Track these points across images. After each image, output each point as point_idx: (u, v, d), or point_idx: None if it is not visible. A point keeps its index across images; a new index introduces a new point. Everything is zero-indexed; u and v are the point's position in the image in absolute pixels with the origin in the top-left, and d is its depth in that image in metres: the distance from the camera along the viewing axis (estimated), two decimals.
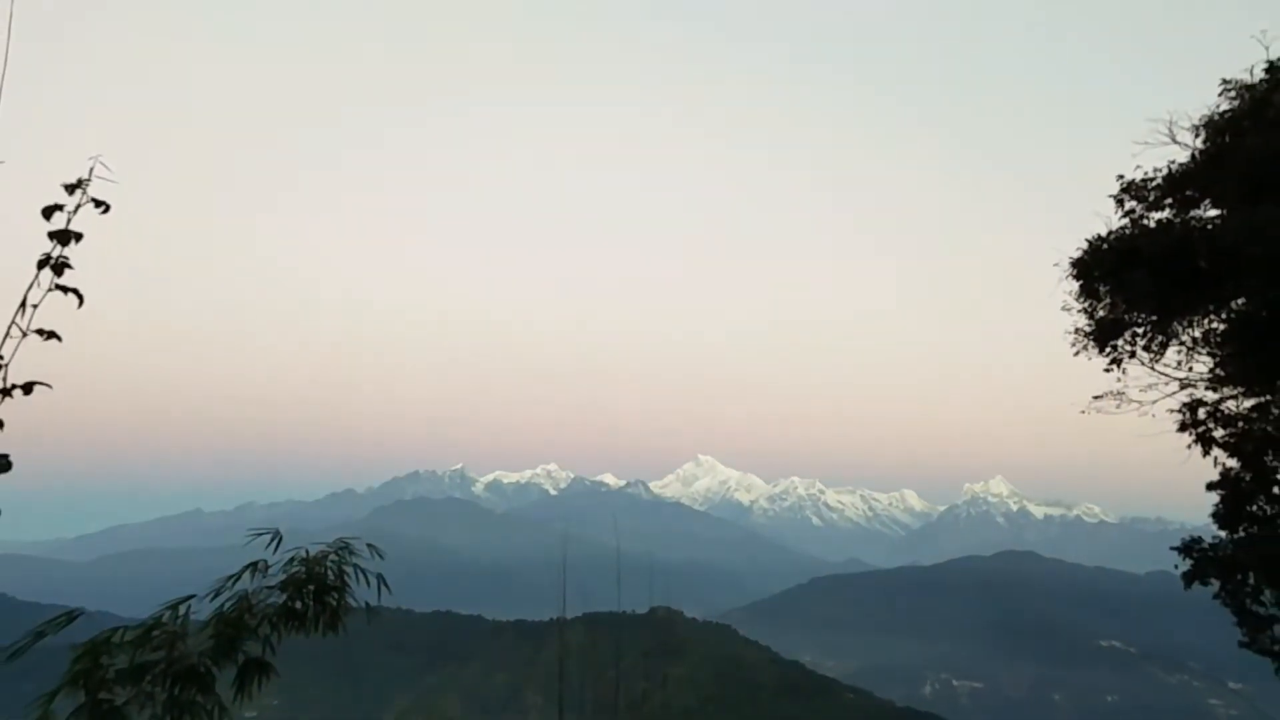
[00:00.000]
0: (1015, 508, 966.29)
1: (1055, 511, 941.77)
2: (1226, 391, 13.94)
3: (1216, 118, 13.05)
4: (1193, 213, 13.70)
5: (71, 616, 4.18)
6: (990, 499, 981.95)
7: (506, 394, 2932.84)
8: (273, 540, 4.68)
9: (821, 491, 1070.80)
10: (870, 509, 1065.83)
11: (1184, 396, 14.26)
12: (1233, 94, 13.00)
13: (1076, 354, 14.83)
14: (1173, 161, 13.52)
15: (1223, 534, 13.65)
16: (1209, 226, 13.48)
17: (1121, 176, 13.99)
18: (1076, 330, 14.77)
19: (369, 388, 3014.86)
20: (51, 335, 4.02)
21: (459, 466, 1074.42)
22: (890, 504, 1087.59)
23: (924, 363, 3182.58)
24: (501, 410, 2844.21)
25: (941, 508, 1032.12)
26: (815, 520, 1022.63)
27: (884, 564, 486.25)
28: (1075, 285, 14.49)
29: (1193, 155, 13.34)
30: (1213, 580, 13.50)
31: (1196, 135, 13.28)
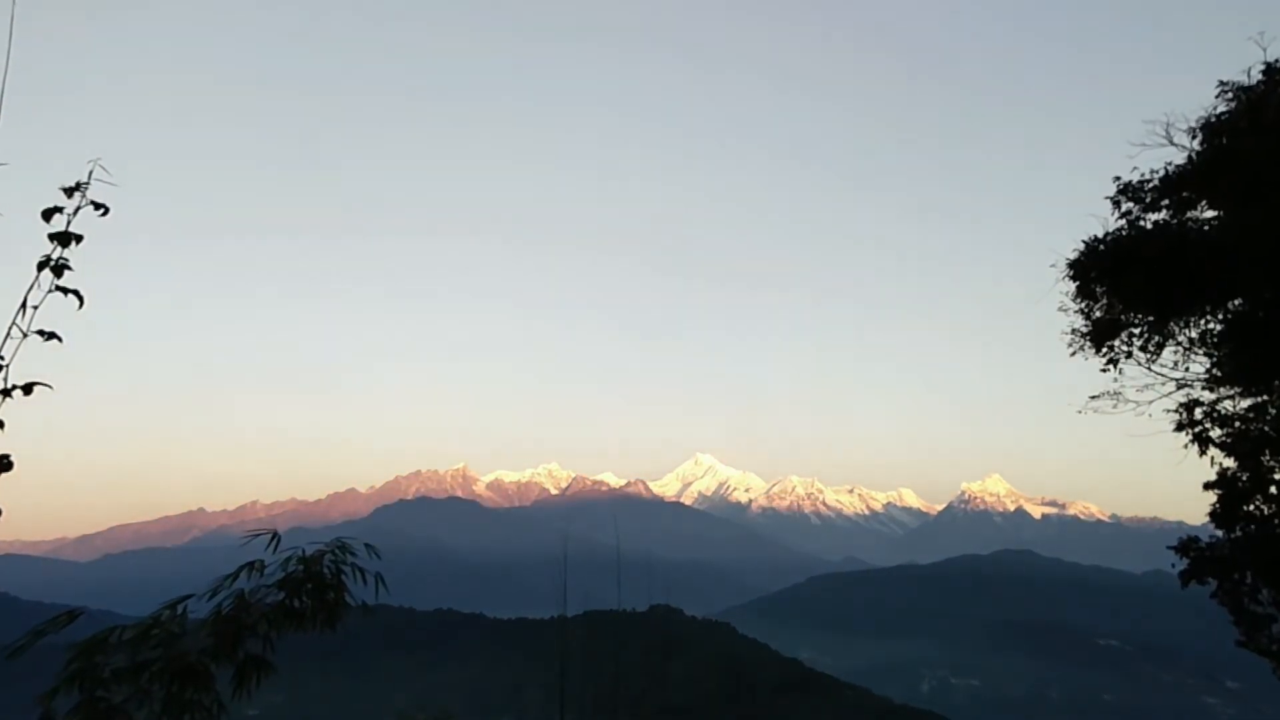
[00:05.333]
0: (1012, 507, 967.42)
1: (1052, 511, 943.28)
2: (1223, 392, 13.95)
3: (1213, 120, 13.06)
4: (1189, 214, 13.73)
5: (72, 616, 4.18)
6: (988, 498, 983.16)
7: (508, 394, 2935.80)
8: (271, 541, 4.70)
9: (820, 490, 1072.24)
10: (868, 508, 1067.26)
11: (1181, 396, 14.29)
12: (1230, 96, 13.00)
13: (1073, 354, 14.88)
14: (1169, 163, 13.54)
15: (1220, 533, 13.65)
16: (1206, 228, 13.50)
17: (1118, 178, 14.02)
18: (1073, 331, 14.80)
19: (372, 386, 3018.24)
20: (52, 336, 4.03)
21: (461, 465, 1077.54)
22: (888, 503, 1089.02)
23: (922, 362, 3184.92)
24: (503, 410, 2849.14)
25: (939, 507, 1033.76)
26: (814, 519, 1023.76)
27: (882, 562, 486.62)
28: (1072, 286, 14.53)
29: (1189, 157, 13.35)
30: (1210, 579, 13.51)
31: (1193, 137, 13.29)
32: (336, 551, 4.82)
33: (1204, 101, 13.18)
